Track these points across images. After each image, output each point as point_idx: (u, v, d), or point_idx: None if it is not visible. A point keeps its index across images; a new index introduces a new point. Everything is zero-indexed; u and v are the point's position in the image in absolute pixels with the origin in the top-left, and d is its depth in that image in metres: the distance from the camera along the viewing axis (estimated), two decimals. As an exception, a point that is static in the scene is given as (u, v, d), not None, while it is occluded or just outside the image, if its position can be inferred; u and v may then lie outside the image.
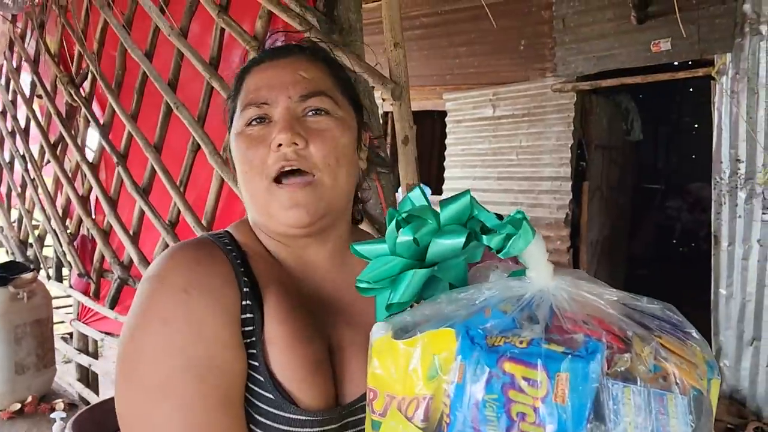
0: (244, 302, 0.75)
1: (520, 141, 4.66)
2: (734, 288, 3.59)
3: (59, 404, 2.80)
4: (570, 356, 0.51)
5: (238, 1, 2.25)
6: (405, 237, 0.61)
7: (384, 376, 0.58)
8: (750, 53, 3.44)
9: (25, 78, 3.93)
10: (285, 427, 0.72)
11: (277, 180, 0.78)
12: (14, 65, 4.01)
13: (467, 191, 0.64)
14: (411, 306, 0.64)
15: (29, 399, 2.83)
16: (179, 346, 0.70)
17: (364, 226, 1.09)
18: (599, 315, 0.56)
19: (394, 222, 0.62)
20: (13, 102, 4.04)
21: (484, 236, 0.60)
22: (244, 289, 0.76)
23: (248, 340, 0.74)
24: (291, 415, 0.72)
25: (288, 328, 0.76)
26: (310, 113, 0.80)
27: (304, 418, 0.72)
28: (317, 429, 0.72)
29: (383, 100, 4.60)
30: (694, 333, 0.59)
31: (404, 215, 0.62)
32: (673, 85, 5.53)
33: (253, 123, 0.80)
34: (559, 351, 0.51)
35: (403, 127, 1.77)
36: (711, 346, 3.64)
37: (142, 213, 2.82)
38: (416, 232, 0.60)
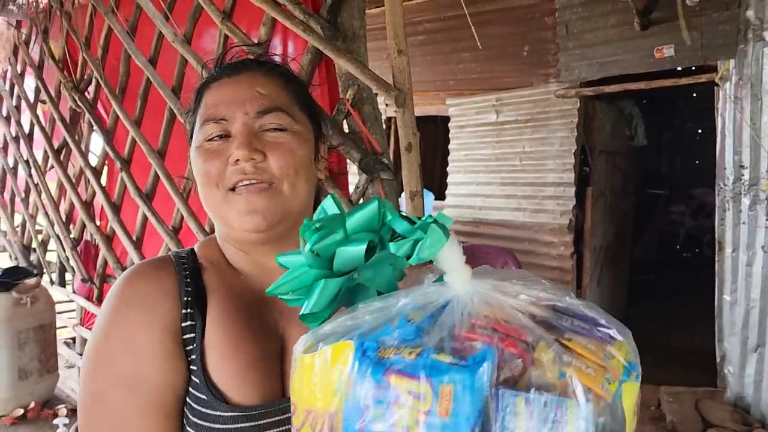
0: (184, 311, 0.80)
1: (524, 146, 4.66)
2: (738, 294, 3.58)
3: (62, 410, 2.80)
4: (455, 367, 0.49)
5: (242, 8, 2.25)
6: (308, 247, 0.60)
7: (299, 390, 0.57)
8: (753, 59, 3.43)
9: (30, 83, 3.94)
10: (217, 425, 0.76)
11: (233, 189, 0.81)
12: (18, 71, 4.02)
13: (375, 198, 0.62)
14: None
15: (32, 404, 2.83)
16: (112, 359, 0.77)
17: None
18: (508, 319, 0.54)
19: (307, 231, 0.61)
20: (18, 107, 4.06)
21: (390, 243, 0.59)
22: (186, 299, 0.81)
23: (188, 348, 0.79)
24: (221, 413, 0.76)
25: (227, 330, 0.80)
26: (267, 128, 0.83)
27: (234, 414, 0.76)
28: (250, 423, 0.76)
29: (386, 105, 4.61)
30: (613, 332, 0.57)
31: (316, 225, 0.61)
32: (677, 91, 5.53)
33: (214, 138, 0.83)
34: (445, 362, 0.50)
35: (406, 134, 1.77)
36: (715, 353, 3.63)
37: (145, 218, 2.83)
38: (318, 242, 0.60)
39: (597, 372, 0.52)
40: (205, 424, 0.76)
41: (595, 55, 4.23)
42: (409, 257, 0.58)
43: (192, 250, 0.91)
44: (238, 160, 0.79)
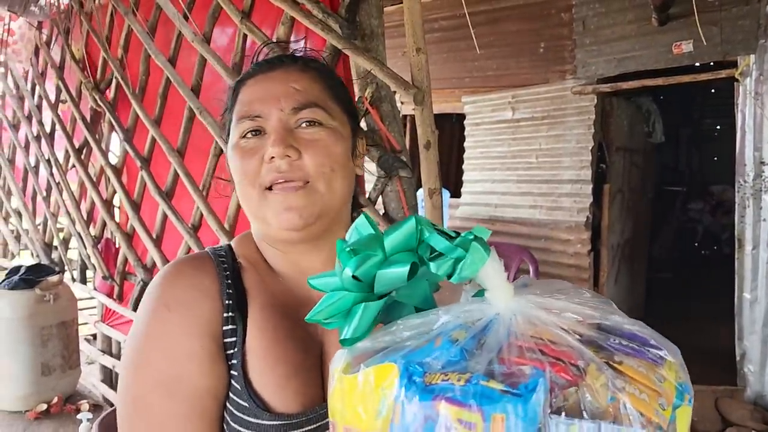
0: (226, 314, 0.79)
1: (540, 144, 4.63)
2: (759, 292, 3.54)
3: (84, 405, 2.84)
4: (507, 395, 0.48)
5: (261, 7, 2.27)
6: (348, 273, 0.58)
7: (339, 409, 0.56)
8: (774, 54, 3.39)
9: (51, 83, 4.00)
10: None
11: (270, 188, 0.80)
12: (40, 71, 4.08)
13: (411, 216, 0.60)
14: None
15: (55, 400, 2.87)
16: (153, 363, 0.77)
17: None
18: (556, 339, 0.53)
19: (342, 254, 0.60)
20: (39, 107, 4.11)
21: (431, 263, 0.57)
22: (227, 302, 0.80)
23: (229, 351, 0.78)
24: (264, 422, 0.74)
25: (268, 336, 0.79)
26: (302, 124, 0.81)
27: (277, 423, 0.74)
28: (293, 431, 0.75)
29: (402, 103, 4.61)
30: (664, 353, 0.55)
31: (351, 247, 0.59)
32: (695, 87, 5.47)
33: (248, 135, 0.81)
34: (497, 389, 0.48)
35: (425, 131, 1.78)
36: (735, 351, 3.60)
37: (165, 216, 2.86)
38: (359, 267, 0.58)
39: (651, 397, 0.51)
40: (246, 431, 0.75)
41: (612, 51, 4.20)
42: (450, 275, 0.57)
43: (229, 246, 0.89)
44: (273, 157, 0.78)
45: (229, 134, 0.86)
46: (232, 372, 0.77)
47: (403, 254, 0.59)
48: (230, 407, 0.77)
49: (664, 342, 0.58)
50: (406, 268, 0.57)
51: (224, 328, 0.79)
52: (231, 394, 0.77)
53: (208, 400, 0.76)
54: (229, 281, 0.82)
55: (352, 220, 0.93)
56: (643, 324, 0.59)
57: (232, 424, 0.76)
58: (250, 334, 0.79)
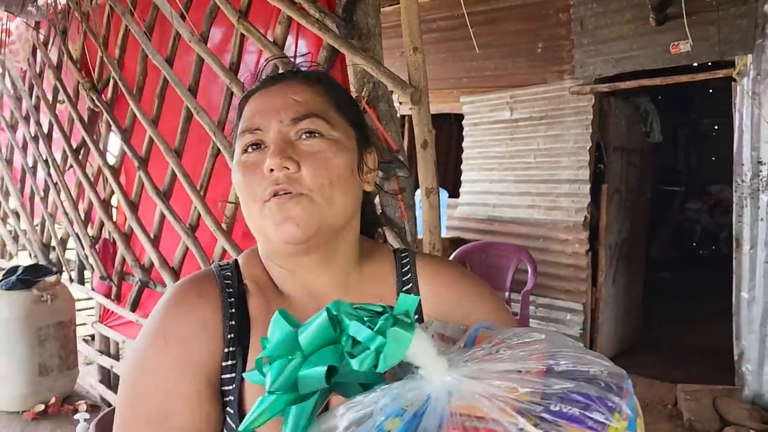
0: (226, 349, 0.78)
1: (538, 144, 4.64)
2: (756, 292, 3.55)
3: (82, 405, 2.84)
4: None
5: (258, 6, 2.27)
6: (268, 383, 0.57)
7: None
8: (772, 54, 3.40)
9: (48, 84, 3.99)
10: None
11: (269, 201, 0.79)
12: (37, 71, 4.07)
13: (325, 308, 0.58)
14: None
15: (53, 400, 2.87)
16: (144, 395, 0.75)
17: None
18: (493, 417, 0.52)
19: (259, 364, 0.59)
20: (36, 107, 4.11)
21: (351, 360, 0.56)
22: (229, 336, 0.78)
23: (227, 388, 0.77)
24: None
25: None
26: (303, 136, 0.80)
27: None
28: None
29: (400, 103, 4.61)
30: (606, 418, 0.53)
31: (268, 354, 0.58)
32: (693, 87, 5.48)
33: (249, 150, 0.81)
34: None
35: (422, 131, 1.78)
36: (733, 351, 3.60)
37: (162, 216, 2.86)
38: (278, 377, 0.57)
39: None
40: None
41: (610, 51, 4.20)
42: (375, 366, 0.55)
43: (236, 264, 0.87)
44: (272, 170, 0.76)
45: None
46: (228, 409, 0.76)
47: (324, 351, 0.57)
48: None
49: (614, 378, 0.57)
50: (323, 369, 0.56)
51: (223, 364, 0.78)
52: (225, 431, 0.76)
53: None
54: (233, 310, 0.80)
55: (365, 227, 0.92)
56: (595, 359, 0.59)
57: None
58: (249, 367, 0.77)
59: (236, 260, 0.88)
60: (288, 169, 0.76)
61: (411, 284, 0.89)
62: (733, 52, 3.59)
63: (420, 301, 0.86)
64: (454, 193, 5.37)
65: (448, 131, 6.34)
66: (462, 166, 5.23)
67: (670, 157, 9.40)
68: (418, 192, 1.91)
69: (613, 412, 0.54)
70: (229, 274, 0.85)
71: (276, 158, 0.76)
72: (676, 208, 8.76)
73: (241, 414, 0.75)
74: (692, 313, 5.86)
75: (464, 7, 3.03)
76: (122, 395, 0.78)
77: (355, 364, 0.55)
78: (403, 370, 0.60)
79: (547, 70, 4.59)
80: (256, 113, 0.82)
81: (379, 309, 0.59)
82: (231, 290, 0.82)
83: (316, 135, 0.80)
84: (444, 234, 4.99)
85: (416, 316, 0.85)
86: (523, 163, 4.75)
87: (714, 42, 3.65)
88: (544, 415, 0.52)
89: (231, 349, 0.78)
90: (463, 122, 5.20)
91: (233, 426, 0.75)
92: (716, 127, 9.15)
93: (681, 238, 8.68)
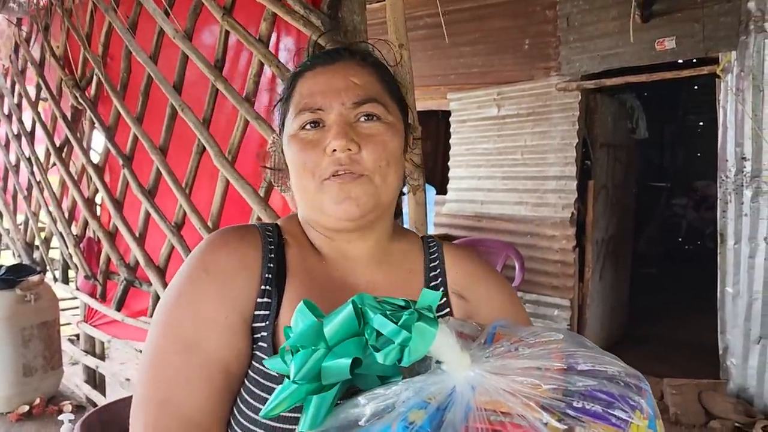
0: (262, 287, 0.82)
1: (525, 140, 4.65)
2: (741, 286, 3.58)
3: (67, 406, 2.81)
4: None
5: (243, 3, 2.25)
6: (293, 373, 0.58)
7: None
8: (755, 51, 3.43)
9: (31, 81, 3.94)
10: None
11: (328, 179, 0.82)
12: (20, 68, 4.02)
13: (351, 300, 0.59)
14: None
15: (37, 401, 2.84)
16: (178, 322, 0.79)
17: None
18: (516, 412, 0.53)
19: (284, 353, 0.60)
20: (19, 105, 4.06)
21: (376, 354, 0.57)
22: (266, 275, 0.82)
23: (259, 324, 0.80)
24: None
25: None
26: (362, 119, 0.84)
27: None
28: None
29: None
30: (628, 415, 0.54)
31: (293, 344, 0.59)
32: (678, 84, 5.52)
33: (308, 127, 0.84)
34: None
35: (408, 128, 1.77)
36: (718, 345, 3.64)
37: (147, 215, 2.83)
38: (302, 366, 0.57)
39: None
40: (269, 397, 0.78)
41: (596, 48, 4.22)
42: (399, 360, 0.56)
43: (276, 224, 0.92)
44: (334, 150, 0.80)
45: (283, 124, 0.89)
46: (261, 344, 0.79)
47: (348, 343, 0.58)
48: (254, 375, 0.78)
49: (641, 394, 0.57)
50: (348, 362, 0.57)
51: (258, 300, 0.82)
52: (255, 363, 0.78)
53: (217, 369, 0.78)
54: (272, 255, 0.85)
55: (398, 209, 0.98)
56: (613, 360, 0.59)
57: (254, 390, 0.77)
58: (284, 310, 0.81)
59: (276, 222, 0.93)
60: (350, 150, 0.81)
61: (438, 261, 0.94)
62: (718, 49, 3.62)
63: (446, 278, 0.92)
64: (442, 190, 5.37)
65: (436, 128, 6.34)
66: (449, 163, 5.24)
67: (656, 153, 9.47)
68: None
69: (634, 410, 0.55)
70: (270, 228, 0.90)
71: (341, 140, 0.80)
72: (662, 204, 8.83)
73: (275, 348, 0.78)
74: (678, 308, 5.92)
75: (451, 4, 3.02)
76: (158, 318, 0.81)
77: (380, 357, 0.56)
78: (421, 364, 0.61)
79: (533, 67, 4.61)
80: (317, 92, 0.84)
81: (402, 303, 0.60)
82: (271, 239, 0.87)
83: (374, 118, 0.84)
84: (431, 231, 4.99)
85: (442, 290, 0.91)
86: (510, 159, 4.76)
87: (698, 39, 3.67)
88: (568, 411, 0.53)
89: (267, 288, 0.82)
90: (451, 119, 5.20)
91: (265, 357, 0.78)
92: (701, 124, 9.22)
93: (667, 234, 8.75)
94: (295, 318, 0.62)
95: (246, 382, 0.79)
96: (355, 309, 0.59)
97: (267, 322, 0.80)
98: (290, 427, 0.75)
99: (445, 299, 0.91)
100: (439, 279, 0.92)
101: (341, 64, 0.87)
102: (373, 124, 0.84)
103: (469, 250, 1.01)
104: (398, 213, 1.02)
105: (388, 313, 0.58)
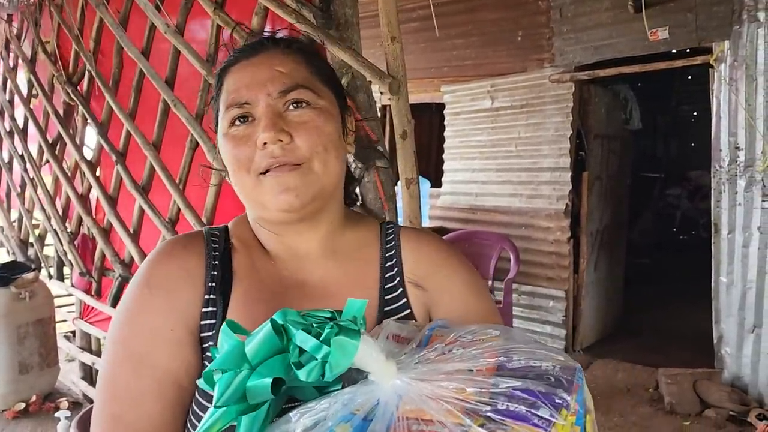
0: (207, 296, 0.81)
1: (519, 132, 4.66)
2: (735, 276, 3.60)
3: (63, 403, 2.81)
4: None
5: (234, -3, 2.24)
6: (215, 398, 0.58)
7: None
8: (748, 40, 3.43)
9: (22, 77, 3.92)
10: None
11: (264, 173, 0.81)
12: (11, 65, 4.00)
13: (270, 319, 0.59)
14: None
15: (33, 398, 2.84)
16: (126, 338, 0.79)
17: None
18: (440, 419, 0.53)
19: (208, 376, 0.60)
20: (11, 102, 4.03)
21: (298, 371, 0.57)
22: (210, 284, 0.82)
23: (207, 334, 0.80)
24: None
25: (248, 318, 0.79)
26: (291, 107, 0.82)
27: None
28: None
29: (381, 93, 4.59)
30: (551, 414, 0.54)
31: (216, 367, 0.59)
32: (672, 74, 5.52)
33: (237, 123, 0.82)
34: None
35: (401, 121, 1.77)
36: (713, 334, 3.65)
37: (142, 211, 2.82)
38: (227, 389, 0.57)
39: None
40: None
41: (589, 39, 4.22)
42: (323, 376, 0.56)
43: (226, 227, 0.91)
44: (265, 143, 0.79)
45: (218, 123, 0.87)
46: (209, 354, 0.78)
47: (271, 361, 0.57)
48: (203, 391, 0.77)
49: (566, 373, 0.57)
50: (269, 383, 0.56)
51: (203, 310, 0.81)
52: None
53: (167, 382, 0.78)
54: (216, 262, 0.84)
55: (349, 194, 0.97)
56: (549, 354, 0.60)
57: (204, 402, 0.77)
58: (231, 315, 0.81)
59: (226, 225, 0.93)
60: (282, 141, 0.79)
61: (394, 251, 0.92)
62: (711, 39, 3.62)
63: (402, 267, 0.90)
64: (437, 183, 5.37)
65: (430, 121, 6.33)
66: (444, 156, 5.24)
67: (650, 143, 9.48)
68: (399, 182, 1.91)
69: (559, 408, 0.55)
70: (217, 233, 0.89)
71: (270, 132, 0.78)
72: (656, 194, 8.85)
73: None
74: (673, 298, 5.95)
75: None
76: (110, 337, 0.81)
77: (302, 375, 0.56)
78: (359, 373, 0.61)
79: (527, 59, 4.60)
80: (242, 86, 0.82)
81: (328, 314, 0.59)
82: (216, 245, 0.86)
83: (304, 105, 0.82)
84: (426, 223, 5.00)
85: (398, 280, 0.89)
86: (504, 151, 4.76)
87: (692, 29, 3.67)
88: (491, 414, 0.53)
89: (212, 296, 0.81)
90: (445, 111, 5.20)
91: None
92: (695, 114, 9.24)
93: (661, 224, 8.78)
94: (221, 339, 0.61)
95: (196, 394, 0.79)
96: (274, 326, 0.58)
97: (214, 332, 0.79)
98: None
99: (401, 289, 0.88)
100: (395, 269, 0.90)
101: (265, 54, 0.85)
102: (303, 110, 0.82)
103: (429, 235, 0.98)
104: (353, 201, 1.01)
105: (314, 326, 0.58)
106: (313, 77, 0.85)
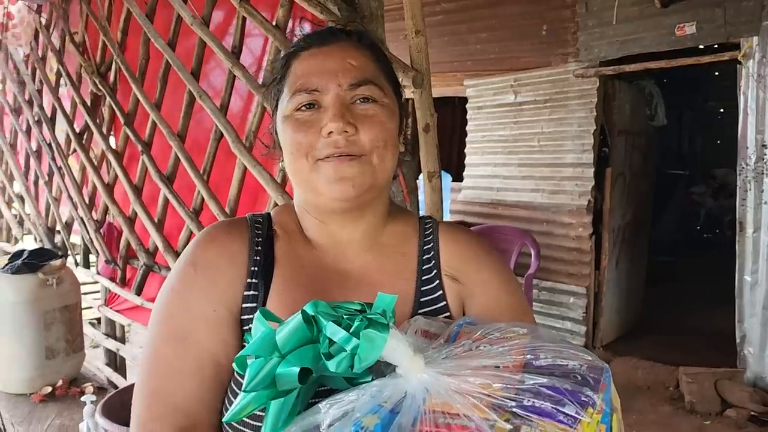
0: (249, 280, 0.84)
1: (542, 127, 4.63)
2: (759, 275, 3.55)
3: (88, 388, 2.87)
4: None
5: (260, -11, 2.26)
6: (245, 383, 0.60)
7: None
8: (778, 36, 3.37)
9: (51, 67, 3.98)
10: None
11: (322, 159, 0.82)
12: (40, 55, 4.07)
13: (302, 309, 0.60)
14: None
15: (59, 383, 2.89)
16: (171, 316, 0.83)
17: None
18: (467, 413, 0.54)
19: (239, 361, 0.62)
20: (39, 91, 4.10)
21: (328, 362, 0.58)
22: (252, 268, 0.85)
23: (249, 316, 0.82)
24: None
25: (288, 304, 0.82)
26: (358, 101, 0.83)
27: None
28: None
29: (404, 87, 4.60)
30: (577, 411, 0.55)
31: (248, 353, 0.61)
32: (698, 70, 5.44)
33: (303, 108, 0.83)
34: None
35: (424, 115, 1.77)
36: (735, 334, 3.61)
37: (166, 201, 2.86)
38: (257, 375, 0.59)
39: None
40: None
41: (615, 34, 4.18)
42: (351, 367, 0.57)
43: (269, 215, 0.93)
44: (331, 132, 0.80)
45: (277, 104, 0.88)
46: (247, 335, 0.80)
47: (301, 351, 0.59)
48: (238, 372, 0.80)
49: (593, 372, 0.58)
50: (296, 372, 0.58)
51: (245, 293, 0.84)
52: None
53: (207, 360, 0.80)
54: (259, 248, 0.87)
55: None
56: (576, 353, 0.60)
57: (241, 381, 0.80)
58: (271, 300, 0.83)
59: (269, 213, 0.95)
60: (347, 132, 0.80)
61: (432, 244, 0.93)
62: (739, 34, 3.57)
63: (440, 260, 0.92)
64: (458, 177, 5.36)
65: (452, 115, 6.32)
66: (466, 150, 5.23)
67: (675, 140, 9.36)
68: (421, 176, 1.92)
69: (585, 406, 0.55)
70: (260, 220, 0.91)
71: (338, 122, 0.79)
72: (680, 191, 8.74)
73: None
74: (695, 296, 5.88)
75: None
76: (154, 313, 0.85)
77: (331, 365, 0.58)
78: (387, 366, 0.62)
79: (551, 53, 4.57)
80: (312, 73, 0.83)
81: (358, 307, 0.61)
82: (260, 232, 0.89)
83: (371, 101, 0.83)
84: (447, 218, 4.99)
85: (435, 273, 0.91)
86: (526, 146, 4.74)
87: (720, 24, 3.62)
88: (517, 410, 0.54)
89: (254, 280, 0.84)
90: (467, 106, 5.18)
91: None
92: (722, 110, 9.09)
93: (685, 222, 8.67)
94: (254, 326, 0.63)
95: (235, 374, 0.80)
96: (305, 317, 0.59)
97: (254, 314, 0.81)
98: None
99: (438, 282, 0.90)
100: (433, 261, 0.91)
101: (337, 45, 0.86)
102: (370, 105, 0.83)
103: (466, 231, 1.00)
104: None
105: (344, 318, 0.59)
106: (381, 74, 0.87)
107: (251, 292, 0.83)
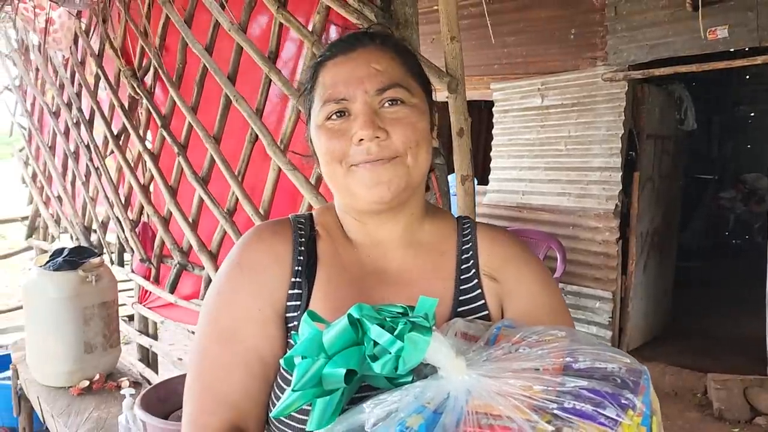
0: (293, 279, 0.87)
1: (569, 131, 4.63)
2: (791, 281, 3.52)
3: (125, 382, 2.94)
4: None
5: (297, -4, 2.31)
6: (293, 382, 0.62)
7: None
8: (812, 40, 3.34)
9: (90, 71, 4.09)
10: None
11: (357, 164, 0.84)
12: (79, 59, 4.18)
13: (349, 312, 0.62)
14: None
15: (97, 377, 2.98)
16: (218, 315, 0.86)
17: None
18: (509, 414, 0.55)
19: (288, 362, 0.64)
20: (78, 94, 4.22)
21: (373, 364, 0.60)
22: (296, 268, 0.87)
23: (291, 315, 0.85)
24: None
25: (331, 303, 0.84)
26: (386, 104, 0.84)
27: None
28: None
29: (435, 90, 4.63)
30: (617, 414, 0.56)
31: (295, 354, 0.63)
32: (729, 73, 5.38)
33: (333, 117, 0.85)
34: None
35: (458, 119, 1.81)
36: (765, 341, 3.58)
37: (201, 201, 2.94)
38: (304, 375, 0.61)
39: None
40: None
41: (644, 38, 4.17)
42: (396, 368, 0.59)
43: (311, 215, 0.96)
44: (362, 139, 0.82)
45: (310, 113, 0.91)
46: (294, 333, 0.82)
47: (347, 352, 0.61)
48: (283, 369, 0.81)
49: (632, 375, 0.59)
50: (342, 373, 0.60)
51: (289, 292, 0.87)
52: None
53: (253, 357, 0.84)
54: (302, 248, 0.89)
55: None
56: (615, 355, 0.61)
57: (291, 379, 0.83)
58: (315, 299, 0.86)
59: (311, 213, 0.98)
60: (378, 138, 0.82)
61: (470, 244, 0.95)
62: (772, 38, 3.54)
63: (478, 260, 0.93)
64: (483, 180, 5.38)
65: (478, 118, 6.33)
66: (492, 153, 5.24)
67: (705, 144, 9.23)
68: (452, 177, 1.95)
69: (626, 409, 0.56)
70: (303, 221, 0.94)
71: (368, 130, 0.81)
72: (709, 196, 8.62)
73: None
74: (724, 302, 5.81)
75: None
76: (202, 314, 0.88)
77: (376, 367, 0.60)
78: (430, 367, 0.64)
79: (579, 57, 4.57)
80: (339, 82, 0.85)
81: (400, 310, 0.63)
82: (303, 233, 0.91)
83: (399, 103, 0.85)
84: (474, 220, 5.00)
85: (474, 272, 0.92)
86: (553, 150, 4.74)
87: (752, 28, 3.59)
88: (558, 412, 0.55)
89: (298, 280, 0.87)
90: (494, 109, 5.20)
91: None
92: (752, 114, 8.96)
93: (714, 227, 8.55)
94: (301, 327, 0.66)
95: (281, 370, 0.83)
96: (350, 320, 0.62)
97: (299, 312, 0.85)
98: None
99: (476, 281, 0.91)
100: (471, 261, 0.92)
101: (361, 50, 0.87)
102: (398, 107, 0.84)
103: (504, 231, 1.01)
104: (426, 188, 1.03)
105: (387, 320, 0.61)
106: (407, 74, 0.88)
107: (295, 291, 0.86)
